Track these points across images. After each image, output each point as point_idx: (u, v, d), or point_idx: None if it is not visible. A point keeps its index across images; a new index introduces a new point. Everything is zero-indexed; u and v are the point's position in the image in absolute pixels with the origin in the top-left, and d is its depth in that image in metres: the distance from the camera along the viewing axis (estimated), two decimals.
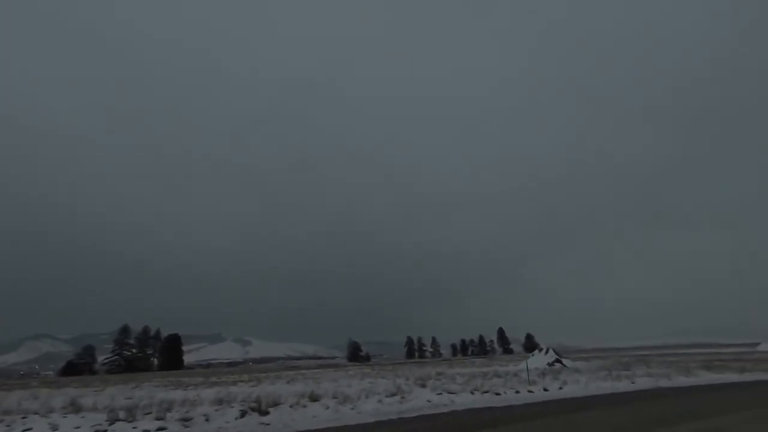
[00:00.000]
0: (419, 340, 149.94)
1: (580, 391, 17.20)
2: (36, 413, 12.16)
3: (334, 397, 14.51)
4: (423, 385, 18.37)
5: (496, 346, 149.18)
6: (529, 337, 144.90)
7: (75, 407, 13.11)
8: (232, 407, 12.39)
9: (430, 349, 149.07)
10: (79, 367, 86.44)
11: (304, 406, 12.92)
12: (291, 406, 12.83)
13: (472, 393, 16.26)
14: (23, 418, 11.33)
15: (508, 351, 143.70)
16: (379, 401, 14.14)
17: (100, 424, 10.36)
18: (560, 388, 18.16)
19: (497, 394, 16.31)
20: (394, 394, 15.38)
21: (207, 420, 11.12)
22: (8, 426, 10.14)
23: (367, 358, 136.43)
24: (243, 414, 11.75)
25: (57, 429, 9.97)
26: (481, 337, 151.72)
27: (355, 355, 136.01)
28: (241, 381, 29.18)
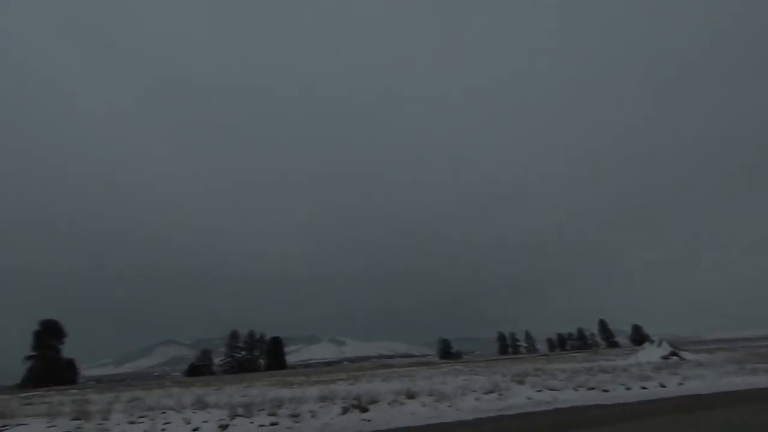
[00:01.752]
0: (512, 335, 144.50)
1: (707, 388, 15.22)
2: (171, 409, 13.95)
3: (431, 395, 14.57)
4: (521, 382, 17.67)
5: (598, 339, 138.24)
6: (636, 329, 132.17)
7: (201, 404, 14.81)
8: (335, 404, 13.05)
9: (525, 344, 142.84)
10: (200, 369, 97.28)
11: (402, 404, 13.16)
12: (389, 404, 13.15)
13: (575, 390, 15.26)
14: (162, 413, 13.06)
15: (612, 344, 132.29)
16: (477, 398, 13.90)
17: (223, 419, 11.56)
18: (680, 384, 16.26)
19: (605, 390, 15.10)
20: (491, 392, 15.02)
21: (313, 416, 11.84)
22: (152, 420, 11.76)
23: (458, 356, 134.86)
24: (345, 411, 12.32)
25: (189, 423, 11.33)
26: (580, 330, 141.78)
27: (446, 352, 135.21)
28: (340, 379, 30.55)
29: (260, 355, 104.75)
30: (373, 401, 13.29)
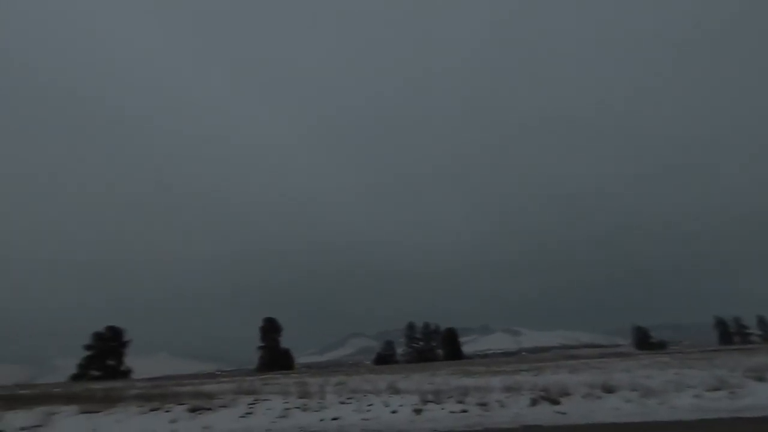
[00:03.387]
0: (737, 320, 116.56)
1: None
2: (371, 393, 15.71)
3: (633, 390, 12.90)
4: (760, 378, 14.16)
5: None
6: None
7: (394, 389, 16.26)
8: (522, 395, 12.73)
9: (758, 332, 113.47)
10: (385, 358, 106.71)
11: (599, 398, 12.03)
12: (583, 397, 12.17)
13: None
14: (364, 396, 14.83)
15: None
16: (696, 396, 11.74)
17: (416, 404, 12.50)
18: None
19: None
20: (717, 389, 12.48)
21: (501, 405, 11.80)
22: (357, 401, 13.48)
23: (661, 346, 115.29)
24: (534, 402, 11.91)
25: (388, 406, 12.60)
26: None
27: (644, 341, 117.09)
28: (522, 370, 29.54)
29: (437, 346, 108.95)
30: (564, 393, 12.49)
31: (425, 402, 12.60)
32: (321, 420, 11.52)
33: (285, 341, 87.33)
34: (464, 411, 11.58)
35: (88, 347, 68.12)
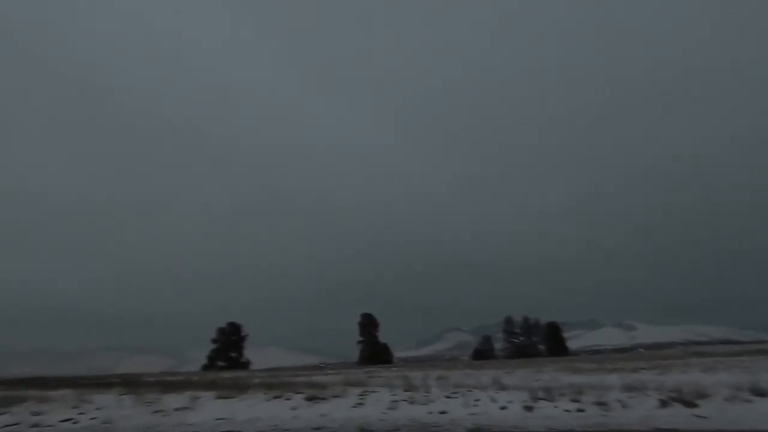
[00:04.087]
0: None
1: None
2: (475, 388, 15.50)
3: None
4: None
5: None
6: None
7: (499, 385, 15.84)
8: (648, 395, 11.55)
9: None
10: (483, 353, 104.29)
11: (748, 401, 10.44)
12: (726, 400, 10.67)
13: None
14: (468, 391, 14.70)
15: None
16: None
17: (525, 401, 12.04)
18: None
19: None
20: None
21: (624, 406, 10.85)
22: (463, 396, 13.42)
23: None
24: (664, 404, 10.75)
25: (496, 401, 12.34)
26: None
27: None
28: (641, 368, 26.80)
29: (538, 341, 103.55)
30: (702, 395, 11.06)
31: (535, 399, 12.09)
32: (429, 413, 11.69)
33: (382, 336, 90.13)
34: (580, 410, 10.87)
35: (213, 341, 77.43)
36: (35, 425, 11.82)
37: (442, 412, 11.68)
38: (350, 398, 13.82)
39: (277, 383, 18.63)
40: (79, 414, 12.79)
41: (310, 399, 13.59)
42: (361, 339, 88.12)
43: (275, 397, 13.95)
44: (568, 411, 10.94)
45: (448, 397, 13.46)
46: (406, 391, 14.95)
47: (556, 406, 11.28)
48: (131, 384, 19.53)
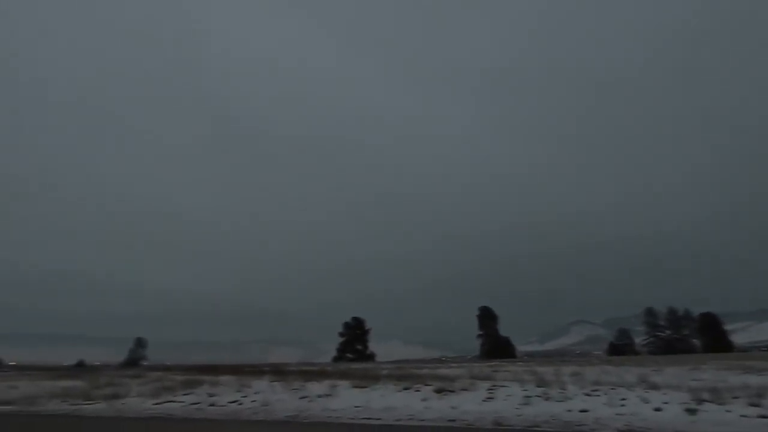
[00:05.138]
0: None
1: None
2: (619, 386, 14.04)
3: None
4: None
5: None
6: None
7: (649, 384, 14.09)
8: None
9: None
10: (621, 348, 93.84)
11: None
12: None
13: None
14: (612, 389, 13.38)
15: None
16: None
17: (686, 402, 10.53)
18: None
19: None
20: None
21: None
22: (606, 394, 12.30)
23: None
24: None
25: (648, 402, 11.02)
26: None
27: None
28: None
29: (690, 335, 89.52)
30: None
31: (699, 401, 10.50)
32: (568, 410, 10.98)
33: (502, 329, 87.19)
34: (763, 416, 9.14)
35: (341, 334, 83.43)
36: (212, 405, 14.19)
37: (583, 411, 10.86)
38: (479, 392, 13.70)
39: (403, 375, 19.31)
40: (243, 397, 15.01)
41: (439, 391, 13.81)
42: (480, 333, 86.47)
43: (405, 389, 14.50)
44: (745, 416, 9.29)
45: (587, 395, 12.47)
46: (538, 386, 14.25)
47: (728, 411, 9.66)
48: (279, 372, 22.16)
